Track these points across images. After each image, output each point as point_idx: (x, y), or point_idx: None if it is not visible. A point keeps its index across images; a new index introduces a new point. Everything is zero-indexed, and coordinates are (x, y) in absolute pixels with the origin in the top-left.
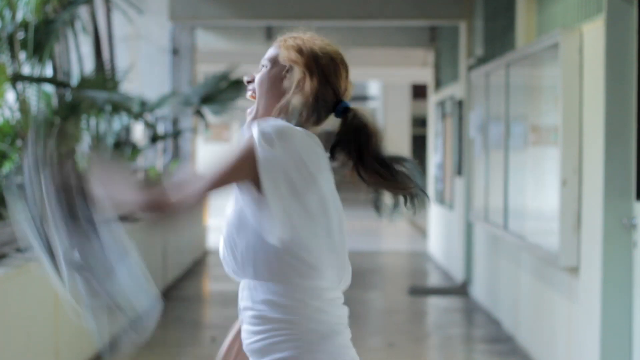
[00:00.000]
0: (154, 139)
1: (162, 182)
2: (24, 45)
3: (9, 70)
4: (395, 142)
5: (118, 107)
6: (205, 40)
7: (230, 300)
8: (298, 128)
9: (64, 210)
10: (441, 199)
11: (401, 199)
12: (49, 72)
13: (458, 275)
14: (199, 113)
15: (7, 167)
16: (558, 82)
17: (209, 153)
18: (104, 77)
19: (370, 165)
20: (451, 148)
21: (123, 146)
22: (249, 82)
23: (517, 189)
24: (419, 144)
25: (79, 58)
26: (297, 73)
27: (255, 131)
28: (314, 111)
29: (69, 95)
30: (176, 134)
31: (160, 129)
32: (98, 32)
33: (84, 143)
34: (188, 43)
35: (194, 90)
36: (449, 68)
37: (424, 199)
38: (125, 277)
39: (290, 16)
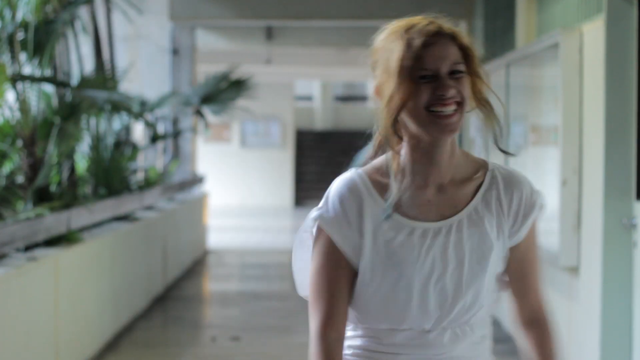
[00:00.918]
0: (154, 138)
1: None
2: (24, 45)
3: (9, 70)
4: None
5: (118, 106)
6: (206, 40)
7: (230, 300)
8: None
9: None
10: None
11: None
12: (49, 72)
13: None
14: (199, 113)
15: (7, 167)
16: (558, 82)
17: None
18: (104, 76)
19: None
20: None
21: (123, 146)
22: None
23: None
24: None
25: (79, 58)
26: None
27: None
28: None
29: (69, 95)
30: (176, 134)
31: (160, 128)
32: (98, 32)
33: (84, 143)
34: (188, 43)
35: (194, 90)
36: None
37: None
38: None
39: (291, 16)
